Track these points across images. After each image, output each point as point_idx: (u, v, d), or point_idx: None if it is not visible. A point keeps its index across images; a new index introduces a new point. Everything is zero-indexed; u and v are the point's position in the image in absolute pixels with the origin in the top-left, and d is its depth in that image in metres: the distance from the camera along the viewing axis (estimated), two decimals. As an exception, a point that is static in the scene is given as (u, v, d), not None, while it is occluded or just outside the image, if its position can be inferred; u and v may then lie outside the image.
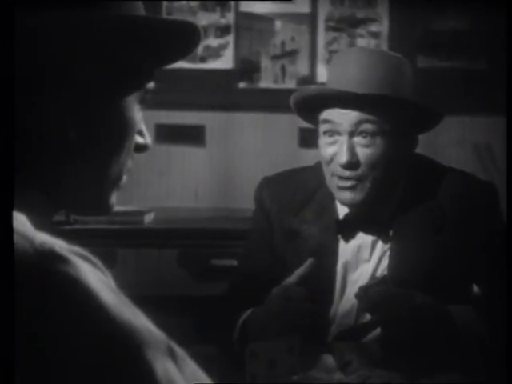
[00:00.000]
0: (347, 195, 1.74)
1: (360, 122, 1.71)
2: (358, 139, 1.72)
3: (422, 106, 1.75)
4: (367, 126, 1.71)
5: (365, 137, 1.71)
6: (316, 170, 1.84)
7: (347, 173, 1.72)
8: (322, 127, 1.76)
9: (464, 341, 1.66)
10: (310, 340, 1.67)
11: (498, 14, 3.33)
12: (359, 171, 1.72)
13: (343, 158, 1.71)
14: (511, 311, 1.56)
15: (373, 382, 1.49)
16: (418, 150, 1.94)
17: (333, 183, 1.76)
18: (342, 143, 1.72)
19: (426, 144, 2.33)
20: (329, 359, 1.56)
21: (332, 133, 1.74)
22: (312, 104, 1.76)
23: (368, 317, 1.69)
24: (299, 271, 1.66)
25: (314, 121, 1.80)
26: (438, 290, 1.73)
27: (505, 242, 1.74)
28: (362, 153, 1.72)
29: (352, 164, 1.71)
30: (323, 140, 1.76)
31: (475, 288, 1.87)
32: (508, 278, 1.63)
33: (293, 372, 1.50)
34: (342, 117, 1.71)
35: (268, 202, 1.89)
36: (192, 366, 0.73)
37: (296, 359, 1.52)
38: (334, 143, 1.74)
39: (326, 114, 1.74)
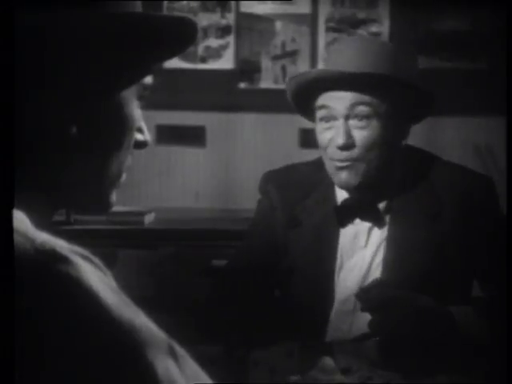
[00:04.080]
0: (344, 176, 1.77)
1: (355, 105, 1.74)
2: (353, 122, 1.75)
3: (414, 85, 1.78)
4: (362, 109, 1.74)
5: (360, 119, 1.75)
6: (318, 164, 1.86)
7: (344, 154, 1.76)
8: (319, 113, 1.80)
9: (464, 342, 1.66)
10: (310, 336, 1.68)
11: (499, 14, 3.34)
12: (355, 152, 1.75)
13: (340, 140, 1.75)
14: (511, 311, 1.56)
15: (374, 382, 1.49)
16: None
17: (331, 166, 1.79)
18: (339, 127, 1.76)
19: (427, 145, 2.33)
20: (329, 361, 1.56)
21: (328, 118, 1.78)
22: (308, 89, 1.78)
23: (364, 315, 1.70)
24: None
25: (310, 111, 1.82)
26: (435, 281, 1.75)
27: (504, 238, 1.74)
28: (358, 135, 1.75)
29: (348, 145, 1.75)
30: (320, 126, 1.80)
31: (475, 287, 1.87)
32: (508, 279, 1.63)
33: (293, 375, 1.50)
34: (337, 101, 1.75)
35: (273, 192, 1.93)
36: (193, 366, 0.73)
37: (296, 362, 1.52)
38: (330, 128, 1.78)
39: (322, 99, 1.78)
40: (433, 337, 1.62)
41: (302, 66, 3.61)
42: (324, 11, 3.63)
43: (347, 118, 1.75)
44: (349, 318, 1.80)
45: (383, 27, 3.61)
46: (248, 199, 1.99)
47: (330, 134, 1.78)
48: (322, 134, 1.80)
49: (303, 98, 1.82)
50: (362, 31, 3.61)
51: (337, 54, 1.79)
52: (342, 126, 1.75)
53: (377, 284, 1.68)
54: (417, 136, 2.15)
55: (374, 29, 3.61)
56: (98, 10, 0.80)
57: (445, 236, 1.80)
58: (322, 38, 3.62)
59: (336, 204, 1.86)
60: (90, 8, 0.80)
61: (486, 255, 1.81)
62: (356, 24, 3.62)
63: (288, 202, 1.90)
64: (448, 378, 1.51)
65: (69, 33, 0.78)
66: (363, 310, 1.64)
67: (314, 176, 1.90)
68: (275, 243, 1.90)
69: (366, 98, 1.74)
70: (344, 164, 1.76)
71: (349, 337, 1.74)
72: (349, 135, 1.75)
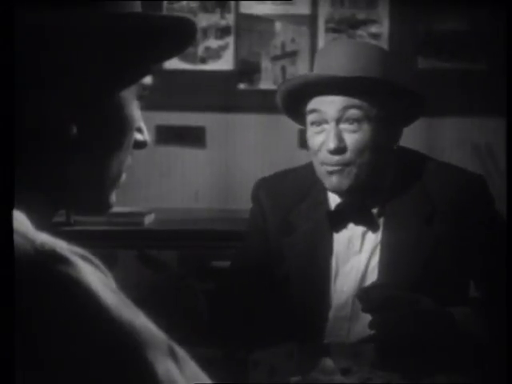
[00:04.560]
0: (335, 180, 1.76)
1: (346, 108, 1.74)
2: (344, 126, 1.75)
3: (405, 88, 1.78)
4: (353, 112, 1.74)
5: (351, 123, 1.75)
6: (310, 169, 1.86)
7: (335, 158, 1.75)
8: (309, 118, 1.79)
9: (464, 342, 1.66)
10: (308, 340, 1.68)
11: (498, 15, 3.34)
12: (346, 156, 1.75)
13: (331, 144, 1.74)
14: (511, 310, 1.56)
15: (373, 382, 1.49)
16: (419, 151, 1.94)
17: (321, 171, 1.79)
18: (330, 130, 1.75)
19: (427, 145, 2.33)
20: (329, 362, 1.56)
21: (319, 122, 1.77)
22: (299, 93, 1.78)
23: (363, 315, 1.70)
24: None
25: (301, 116, 1.83)
26: (431, 283, 1.75)
27: (497, 236, 1.74)
28: (349, 138, 1.75)
29: (339, 149, 1.74)
30: (311, 130, 1.80)
31: (472, 288, 1.87)
32: (508, 280, 1.62)
33: (293, 376, 1.50)
34: (328, 105, 1.75)
35: (264, 200, 1.92)
36: (193, 367, 0.73)
37: (295, 364, 1.52)
38: (321, 132, 1.78)
39: (313, 104, 1.78)
40: (433, 337, 1.62)
41: (301, 67, 3.61)
42: (323, 12, 3.63)
43: (338, 121, 1.75)
44: (346, 324, 1.80)
45: (383, 28, 3.61)
46: (248, 200, 1.99)
47: (321, 138, 1.77)
48: (313, 138, 1.79)
49: (294, 102, 1.81)
50: (361, 32, 3.61)
51: (327, 57, 1.78)
52: (333, 130, 1.74)
53: (378, 284, 1.68)
54: (416, 137, 2.16)
55: (373, 29, 3.61)
56: (98, 10, 0.80)
57: (439, 237, 1.79)
58: (322, 39, 3.62)
59: (329, 209, 1.85)
60: (89, 8, 0.80)
61: (481, 255, 1.81)
62: (356, 25, 3.62)
63: (281, 209, 1.89)
64: (447, 377, 1.51)
65: (69, 33, 0.78)
66: (364, 310, 1.64)
67: (307, 180, 1.90)
68: (268, 250, 1.89)
69: (357, 101, 1.74)
70: (335, 168, 1.75)
71: (348, 341, 1.74)
72: (340, 139, 1.74)
